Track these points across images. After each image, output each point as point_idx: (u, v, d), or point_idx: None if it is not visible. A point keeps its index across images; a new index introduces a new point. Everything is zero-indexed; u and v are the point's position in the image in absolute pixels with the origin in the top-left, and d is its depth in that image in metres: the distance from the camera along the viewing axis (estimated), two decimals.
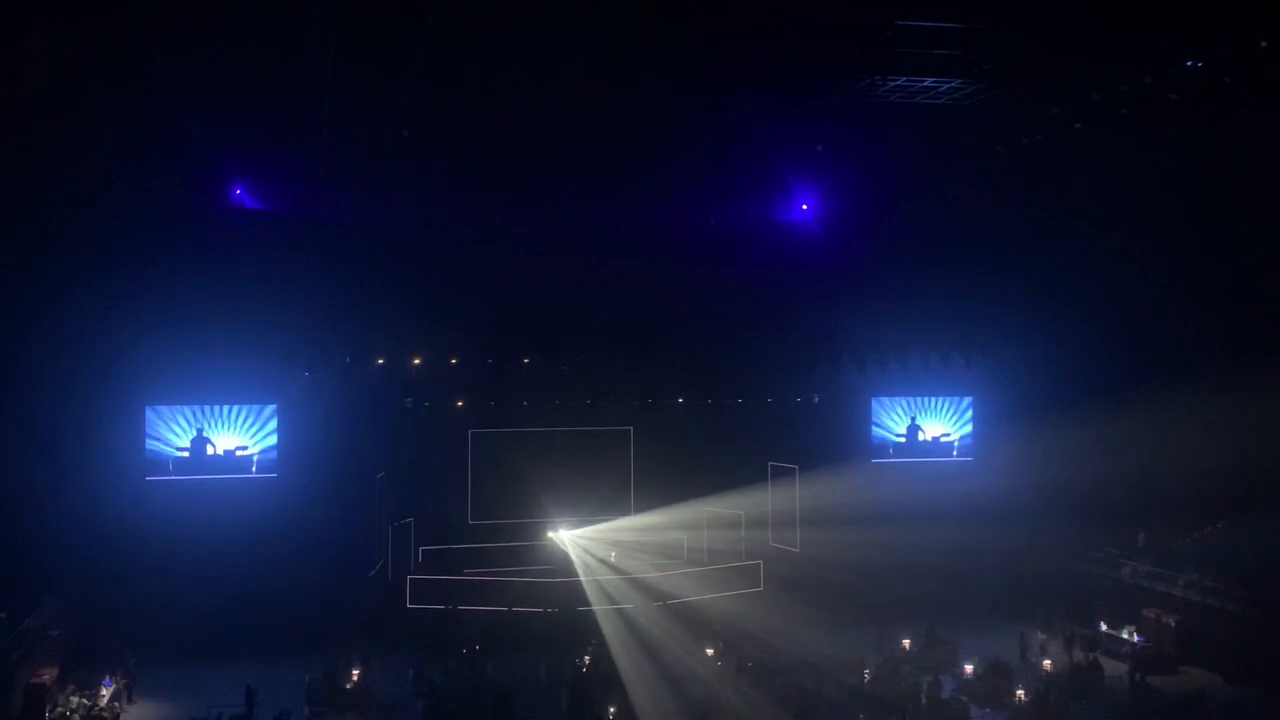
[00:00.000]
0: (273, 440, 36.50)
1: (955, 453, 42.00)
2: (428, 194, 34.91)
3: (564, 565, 36.27)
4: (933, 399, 41.88)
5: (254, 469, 36.44)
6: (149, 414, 35.52)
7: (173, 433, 35.72)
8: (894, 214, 37.29)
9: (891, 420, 41.75)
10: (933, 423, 41.92)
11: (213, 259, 33.75)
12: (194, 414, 35.91)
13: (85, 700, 27.01)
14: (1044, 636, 32.71)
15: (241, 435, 36.36)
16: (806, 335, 39.33)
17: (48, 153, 28.14)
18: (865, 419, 41.58)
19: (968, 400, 41.84)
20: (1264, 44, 24.41)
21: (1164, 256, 34.10)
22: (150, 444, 35.47)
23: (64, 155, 28.84)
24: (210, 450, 36.01)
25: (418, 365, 37.67)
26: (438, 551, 37.38)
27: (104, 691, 27.49)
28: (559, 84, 27.14)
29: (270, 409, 36.52)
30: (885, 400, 41.63)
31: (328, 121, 30.15)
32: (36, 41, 23.15)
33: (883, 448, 41.68)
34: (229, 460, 36.25)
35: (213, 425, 36.09)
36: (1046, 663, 30.20)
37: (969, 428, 41.86)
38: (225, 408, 36.19)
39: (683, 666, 29.24)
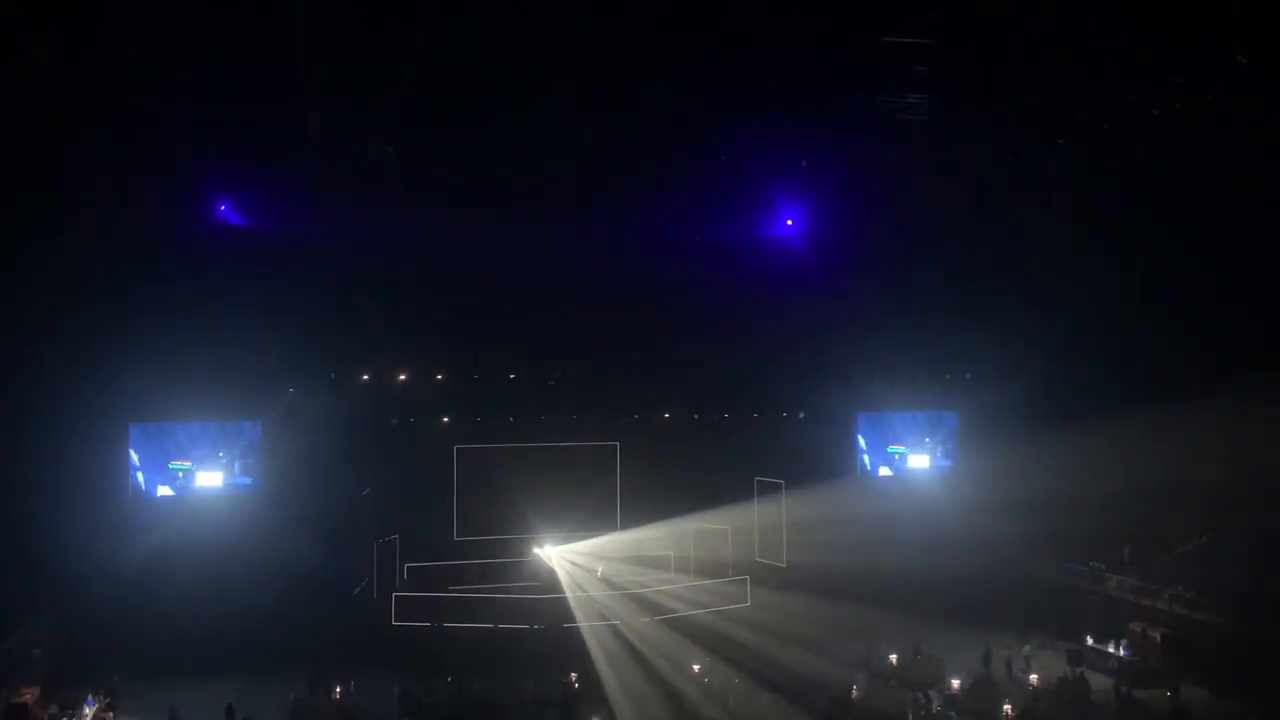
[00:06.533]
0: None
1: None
2: (413, 209, 34.76)
3: (550, 581, 36.15)
4: (914, 427, 42.07)
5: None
6: (133, 431, 35.30)
7: (156, 452, 35.55)
8: (880, 228, 37.25)
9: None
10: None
11: (196, 276, 33.42)
12: (178, 442, 35.72)
13: None
14: (1031, 651, 32.73)
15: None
16: (792, 350, 39.30)
17: (33, 165, 27.98)
18: (851, 433, 41.65)
19: (953, 418, 41.90)
20: (1243, 59, 24.54)
21: (1150, 270, 34.17)
22: (133, 463, 35.22)
23: (48, 168, 28.66)
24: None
25: (403, 381, 37.56)
26: (423, 568, 37.26)
27: (87, 711, 27.32)
28: (548, 99, 27.14)
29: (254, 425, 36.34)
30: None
31: (314, 136, 30.05)
32: (20, 54, 23.00)
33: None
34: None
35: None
36: (1033, 677, 30.22)
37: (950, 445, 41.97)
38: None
39: (670, 683, 29.12)
